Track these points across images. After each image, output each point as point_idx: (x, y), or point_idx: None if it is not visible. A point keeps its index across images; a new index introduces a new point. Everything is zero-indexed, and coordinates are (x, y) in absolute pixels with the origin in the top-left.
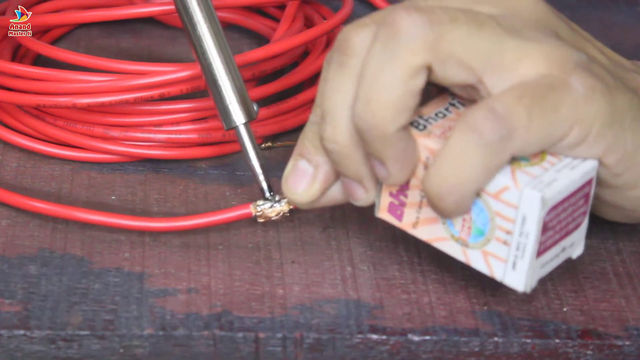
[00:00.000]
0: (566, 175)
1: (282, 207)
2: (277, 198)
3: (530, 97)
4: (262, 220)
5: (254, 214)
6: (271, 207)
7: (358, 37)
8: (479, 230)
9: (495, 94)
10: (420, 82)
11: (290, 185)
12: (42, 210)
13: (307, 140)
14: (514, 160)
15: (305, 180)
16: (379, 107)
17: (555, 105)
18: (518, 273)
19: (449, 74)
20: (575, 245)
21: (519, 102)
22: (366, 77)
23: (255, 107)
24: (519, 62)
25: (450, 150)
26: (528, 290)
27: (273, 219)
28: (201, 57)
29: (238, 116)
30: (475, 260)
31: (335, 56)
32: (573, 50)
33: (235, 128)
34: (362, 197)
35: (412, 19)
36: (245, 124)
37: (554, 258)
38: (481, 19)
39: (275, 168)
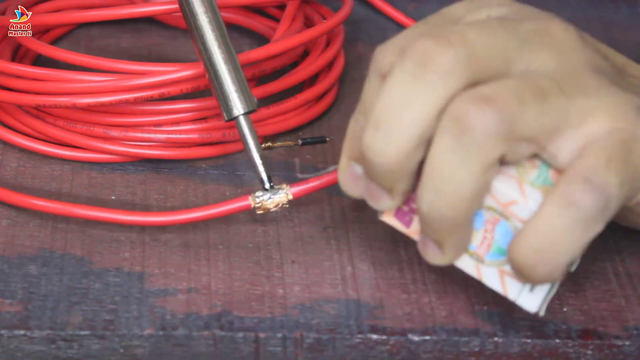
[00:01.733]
0: None
1: (281, 199)
2: (276, 189)
3: (617, 161)
4: (261, 212)
5: (253, 205)
6: (270, 198)
7: (443, 57)
8: (500, 250)
9: (580, 161)
10: (495, 171)
11: (348, 190)
12: (40, 208)
13: (354, 144)
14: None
15: (360, 185)
16: (453, 201)
17: (637, 163)
18: (535, 296)
19: (518, 154)
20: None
21: (609, 169)
22: (438, 172)
23: (254, 99)
24: (582, 122)
25: (546, 224)
26: (542, 313)
27: (272, 210)
28: (202, 48)
29: (238, 106)
30: (489, 277)
31: (409, 66)
32: (629, 96)
33: (236, 119)
34: (386, 204)
35: (484, 115)
36: (245, 115)
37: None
38: (544, 88)
39: (275, 168)
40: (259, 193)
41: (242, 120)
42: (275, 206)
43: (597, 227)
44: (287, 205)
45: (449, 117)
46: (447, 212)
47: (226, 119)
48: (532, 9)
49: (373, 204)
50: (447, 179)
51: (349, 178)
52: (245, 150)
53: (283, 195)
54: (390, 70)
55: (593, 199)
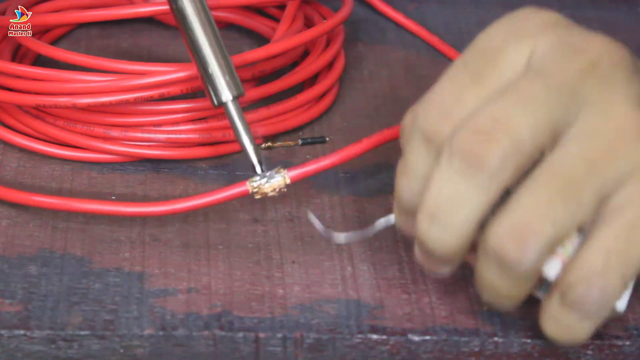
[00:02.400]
0: None
1: (278, 183)
2: (268, 174)
3: (616, 257)
4: (259, 197)
5: (250, 191)
6: (267, 182)
7: (491, 157)
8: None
9: (581, 255)
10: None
11: (409, 233)
12: (39, 204)
13: (404, 202)
14: None
15: None
16: (514, 298)
17: None
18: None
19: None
20: None
21: (608, 269)
22: (491, 287)
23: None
24: (619, 188)
25: (555, 319)
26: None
27: (270, 195)
28: (189, 38)
29: (226, 92)
30: None
31: (457, 165)
32: None
33: (225, 104)
34: (445, 272)
35: (523, 252)
36: (234, 100)
37: None
38: (578, 179)
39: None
40: (256, 178)
41: (230, 106)
42: (273, 190)
43: (609, 307)
44: (285, 190)
45: (489, 252)
46: (510, 302)
47: (215, 104)
48: (579, 31)
49: (432, 273)
50: (501, 294)
51: (407, 226)
52: (235, 135)
53: (280, 179)
54: (438, 153)
55: (592, 300)
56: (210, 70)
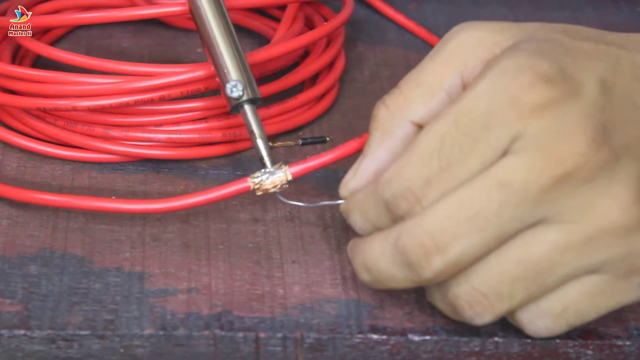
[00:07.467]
0: None
1: (280, 179)
2: (270, 170)
3: (575, 312)
4: (260, 193)
5: (252, 187)
6: (268, 178)
7: (431, 265)
8: None
9: (548, 298)
10: None
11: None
12: (41, 201)
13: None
14: None
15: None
16: None
17: (597, 307)
18: None
19: None
20: None
21: (562, 318)
22: None
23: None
24: (603, 271)
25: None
26: None
27: (271, 191)
28: (209, 43)
29: (242, 94)
30: None
31: (398, 258)
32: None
33: (241, 106)
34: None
35: (481, 318)
36: (250, 103)
37: None
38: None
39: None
40: (257, 174)
41: (247, 108)
42: (274, 187)
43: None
44: (287, 186)
45: (444, 296)
46: None
47: (231, 105)
48: (572, 121)
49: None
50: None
51: None
52: (250, 136)
53: (282, 175)
54: (392, 220)
55: (536, 332)
56: (226, 74)
